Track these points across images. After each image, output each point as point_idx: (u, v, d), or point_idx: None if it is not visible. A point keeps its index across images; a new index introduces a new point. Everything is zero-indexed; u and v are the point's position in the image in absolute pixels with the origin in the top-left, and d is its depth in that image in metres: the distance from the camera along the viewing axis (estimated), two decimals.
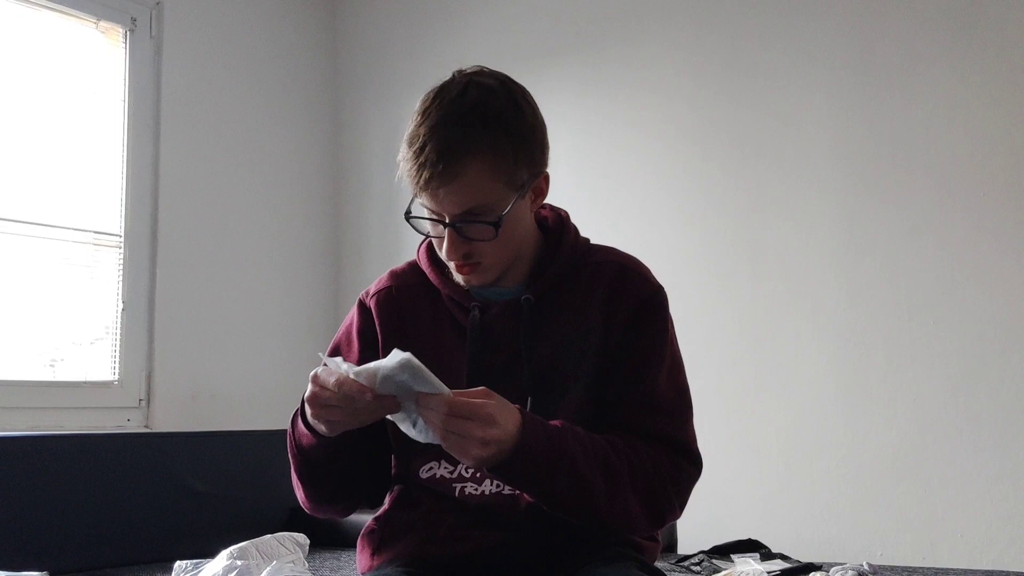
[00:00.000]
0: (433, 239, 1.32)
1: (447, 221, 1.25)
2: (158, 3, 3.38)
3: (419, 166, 1.21)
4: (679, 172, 3.18)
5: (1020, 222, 2.64)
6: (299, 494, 1.39)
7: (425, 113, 1.24)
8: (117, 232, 3.23)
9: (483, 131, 1.22)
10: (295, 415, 1.31)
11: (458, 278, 1.33)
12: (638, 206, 3.23)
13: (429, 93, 1.27)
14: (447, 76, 1.30)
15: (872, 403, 2.79)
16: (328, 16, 4.05)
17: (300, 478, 1.35)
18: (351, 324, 1.43)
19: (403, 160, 1.24)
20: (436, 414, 1.12)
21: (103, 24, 3.26)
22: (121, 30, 3.31)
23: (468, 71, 1.29)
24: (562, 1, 3.46)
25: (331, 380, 1.14)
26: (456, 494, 1.31)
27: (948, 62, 2.75)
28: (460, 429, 1.12)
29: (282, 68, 3.83)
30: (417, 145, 1.22)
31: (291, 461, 1.36)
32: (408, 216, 1.29)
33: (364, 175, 3.93)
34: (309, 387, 1.17)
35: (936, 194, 2.74)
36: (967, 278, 2.69)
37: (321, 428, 1.21)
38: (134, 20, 3.33)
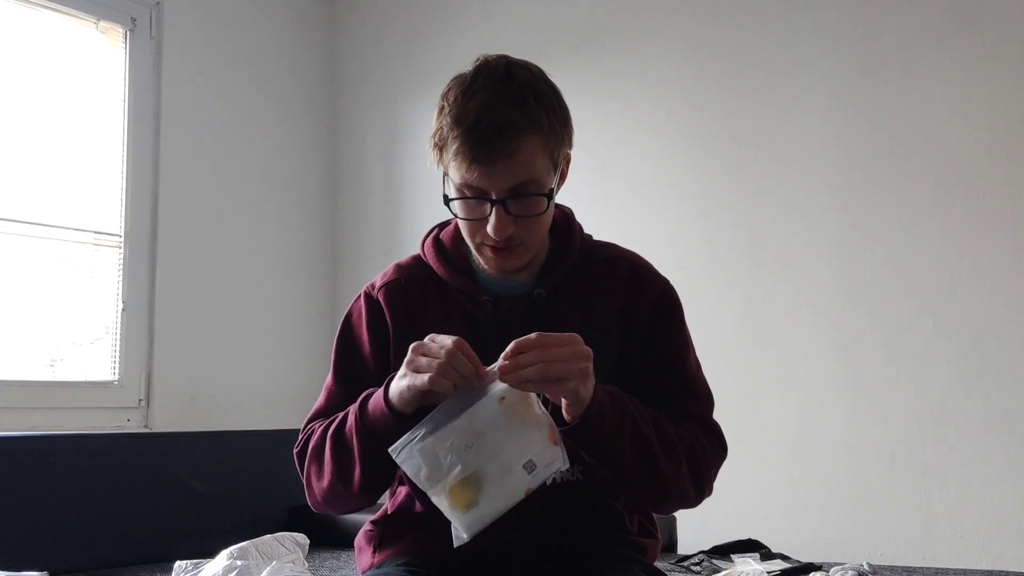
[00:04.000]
0: (467, 223, 1.28)
1: (495, 199, 1.23)
2: (158, 3, 3.39)
3: (476, 142, 1.20)
4: (680, 167, 3.17)
5: (1013, 225, 2.63)
6: (338, 485, 1.30)
7: (469, 92, 1.22)
8: (117, 232, 3.23)
9: (536, 106, 1.23)
10: (361, 404, 1.26)
11: (486, 263, 1.33)
12: (638, 201, 3.23)
13: (464, 76, 1.26)
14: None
15: (872, 402, 2.79)
16: (327, 16, 4.05)
17: (362, 463, 1.26)
18: (359, 318, 1.40)
19: (451, 139, 1.22)
20: (532, 354, 1.13)
21: (103, 24, 3.26)
22: (121, 30, 3.31)
23: (493, 56, 1.29)
24: (560, 6, 3.45)
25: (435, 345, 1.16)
26: None
27: (949, 55, 2.75)
28: (560, 354, 1.14)
29: (281, 68, 3.83)
30: (470, 121, 1.20)
31: (345, 450, 1.28)
32: (448, 200, 1.27)
33: (362, 175, 3.93)
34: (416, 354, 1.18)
35: (937, 188, 2.74)
36: (967, 275, 2.68)
37: (420, 381, 1.17)
38: (134, 20, 3.33)
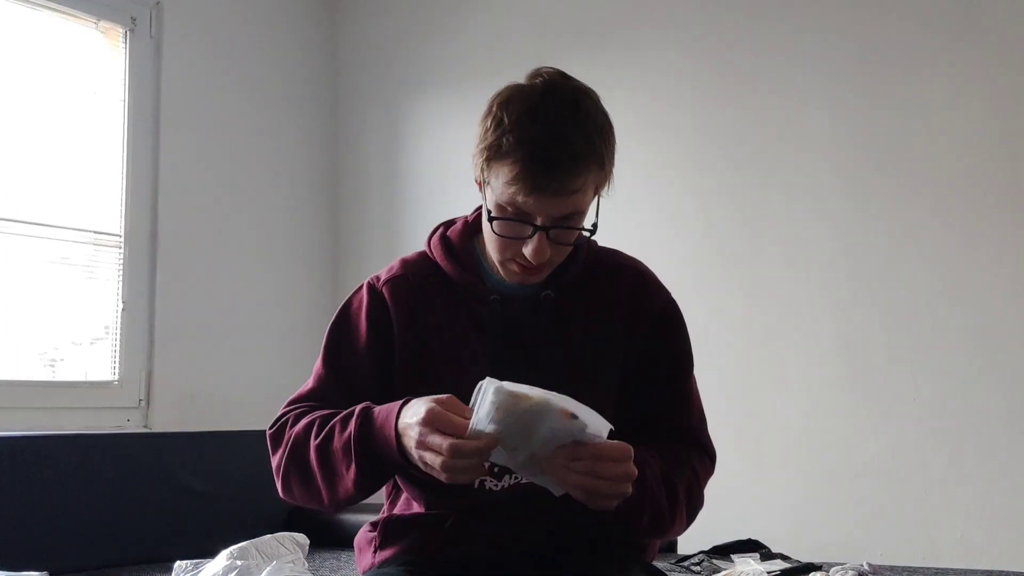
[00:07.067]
0: (500, 239, 1.25)
1: (539, 225, 1.21)
2: (158, 3, 3.38)
3: (537, 171, 1.16)
4: (683, 163, 3.18)
5: (1017, 225, 2.64)
6: (324, 497, 1.29)
7: (535, 114, 1.18)
8: (117, 232, 3.23)
9: (600, 142, 1.21)
10: (363, 422, 1.22)
11: (507, 275, 1.31)
12: (634, 211, 3.22)
13: (530, 92, 1.21)
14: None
15: (872, 403, 2.79)
16: (327, 16, 4.05)
17: (360, 472, 1.22)
18: (359, 308, 1.38)
19: (511, 161, 1.17)
20: (581, 464, 1.10)
21: (103, 24, 3.26)
22: (121, 30, 3.31)
23: (554, 73, 1.25)
24: (561, 4, 3.46)
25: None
26: (476, 486, 1.30)
27: (950, 53, 2.75)
28: (609, 473, 1.11)
29: (282, 68, 3.83)
30: (536, 148, 1.16)
31: (333, 466, 1.25)
32: (492, 218, 1.24)
33: (363, 175, 3.93)
34: (441, 453, 1.10)
35: (940, 187, 2.74)
36: (967, 278, 2.69)
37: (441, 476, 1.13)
38: (134, 20, 3.33)
